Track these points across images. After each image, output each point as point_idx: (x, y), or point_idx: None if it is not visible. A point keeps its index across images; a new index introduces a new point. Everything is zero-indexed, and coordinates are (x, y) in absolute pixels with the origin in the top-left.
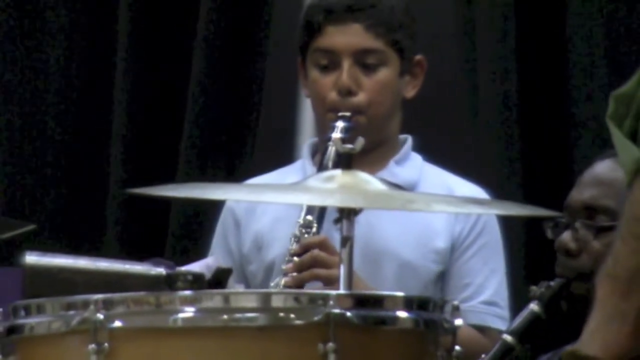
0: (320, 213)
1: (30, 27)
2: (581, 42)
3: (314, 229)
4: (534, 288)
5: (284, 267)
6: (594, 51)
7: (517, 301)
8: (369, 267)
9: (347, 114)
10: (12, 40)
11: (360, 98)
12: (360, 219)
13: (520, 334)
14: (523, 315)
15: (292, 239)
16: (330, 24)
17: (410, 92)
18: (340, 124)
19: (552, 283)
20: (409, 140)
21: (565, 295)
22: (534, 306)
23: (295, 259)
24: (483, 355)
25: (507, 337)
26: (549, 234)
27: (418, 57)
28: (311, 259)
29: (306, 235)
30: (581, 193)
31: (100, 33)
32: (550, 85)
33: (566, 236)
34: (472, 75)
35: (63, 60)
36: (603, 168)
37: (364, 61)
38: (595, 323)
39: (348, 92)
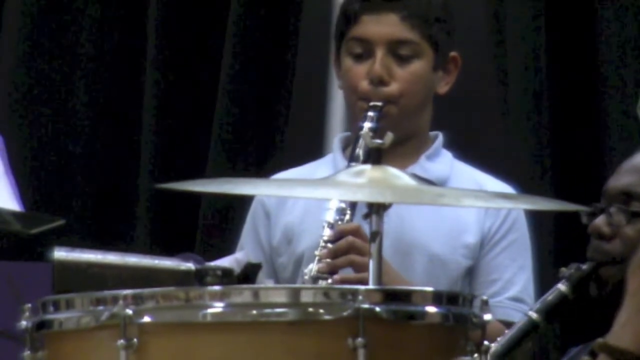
0: (352, 201)
1: (61, 20)
2: (612, 35)
3: (348, 217)
4: (563, 269)
5: (317, 252)
6: (624, 45)
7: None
8: (399, 260)
9: (379, 103)
10: (43, 33)
11: (392, 88)
12: (391, 213)
13: (547, 312)
14: (550, 293)
15: (325, 225)
16: (366, 13)
17: (442, 88)
18: (371, 114)
19: (583, 266)
20: (440, 136)
21: (594, 278)
22: (561, 286)
23: (330, 245)
24: (506, 331)
25: (533, 315)
26: (584, 219)
27: (453, 53)
28: (347, 245)
29: (340, 223)
30: (618, 180)
31: (131, 26)
32: (580, 80)
33: (600, 220)
34: (502, 70)
35: (93, 54)
36: None
37: (397, 52)
38: (626, 315)
39: (380, 82)
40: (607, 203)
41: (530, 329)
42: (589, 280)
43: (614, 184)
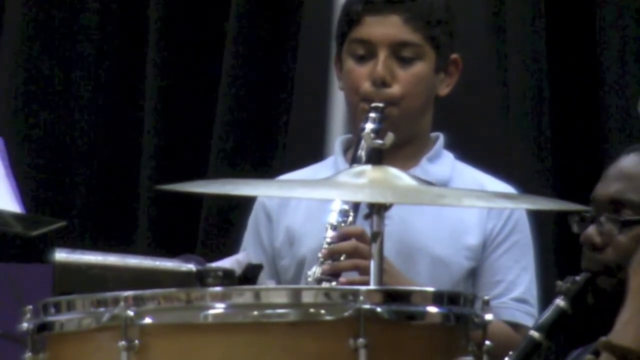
0: (355, 203)
1: (62, 21)
2: (612, 36)
3: (350, 218)
4: (559, 283)
5: (320, 255)
6: (625, 45)
7: (548, 296)
8: (402, 262)
9: (380, 104)
10: (44, 34)
11: (394, 90)
12: (393, 215)
13: (547, 330)
14: (549, 310)
15: (328, 227)
16: (369, 15)
17: (443, 90)
18: (372, 115)
19: (577, 278)
20: (441, 138)
21: (591, 289)
22: (559, 301)
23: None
24: (510, 352)
25: (534, 333)
26: (575, 228)
27: (454, 55)
28: (351, 248)
29: (342, 225)
30: (606, 187)
31: (132, 30)
32: (580, 80)
33: (591, 230)
34: (503, 71)
35: (94, 55)
36: (628, 162)
37: (400, 54)
38: (629, 313)
39: (382, 83)
40: (597, 211)
41: (533, 348)
42: (586, 292)
43: (602, 192)
